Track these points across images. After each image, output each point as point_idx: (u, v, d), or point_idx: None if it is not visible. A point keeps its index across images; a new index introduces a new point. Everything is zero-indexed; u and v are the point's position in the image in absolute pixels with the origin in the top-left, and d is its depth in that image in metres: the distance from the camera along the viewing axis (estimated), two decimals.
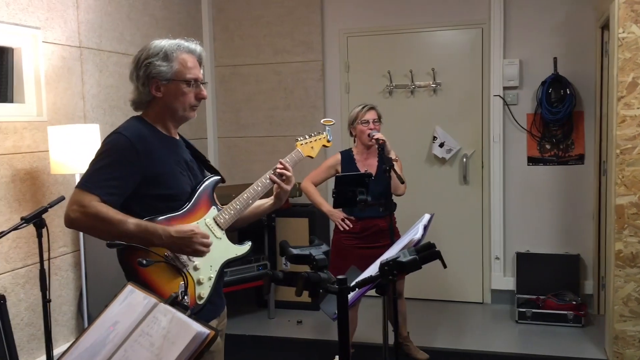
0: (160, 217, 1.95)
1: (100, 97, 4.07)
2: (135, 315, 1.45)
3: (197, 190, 2.07)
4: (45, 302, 2.96)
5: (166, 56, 1.99)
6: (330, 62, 5.25)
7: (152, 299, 1.46)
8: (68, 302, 3.82)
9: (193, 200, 2.04)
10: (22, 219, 2.81)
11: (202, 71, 2.10)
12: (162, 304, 1.42)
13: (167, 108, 2.04)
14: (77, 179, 3.50)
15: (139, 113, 2.10)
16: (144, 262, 1.59)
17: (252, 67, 5.35)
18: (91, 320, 1.71)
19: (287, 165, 2.19)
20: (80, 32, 3.89)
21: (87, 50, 3.95)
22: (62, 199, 3.05)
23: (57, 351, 3.45)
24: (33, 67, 3.58)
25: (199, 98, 2.06)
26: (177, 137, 2.14)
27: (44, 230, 2.89)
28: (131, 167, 1.92)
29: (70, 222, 1.90)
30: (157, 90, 2.01)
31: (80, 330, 3.84)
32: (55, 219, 3.65)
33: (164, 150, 2.01)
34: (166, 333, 1.32)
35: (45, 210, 2.88)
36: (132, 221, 1.88)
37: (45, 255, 2.98)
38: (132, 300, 1.52)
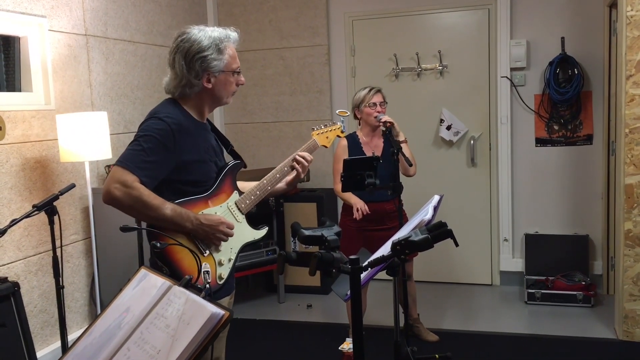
0: (186, 199, 2.04)
1: (107, 84, 4.07)
2: (150, 298, 1.47)
3: (220, 175, 2.15)
4: (59, 288, 2.99)
5: (219, 50, 2.05)
6: (336, 46, 5.22)
7: (167, 282, 1.48)
8: (80, 289, 3.85)
9: (216, 184, 2.13)
10: (33, 206, 2.84)
11: None
12: (176, 286, 1.44)
13: (213, 97, 2.12)
14: (87, 167, 3.54)
15: (167, 96, 2.15)
16: (158, 244, 1.61)
17: (257, 52, 5.34)
18: (104, 306, 1.73)
19: (306, 154, 2.30)
20: (85, 20, 3.89)
21: (93, 38, 3.95)
22: (72, 186, 3.07)
23: (71, 337, 3.49)
24: (40, 56, 3.58)
25: (239, 84, 2.16)
26: (205, 121, 2.20)
27: (56, 218, 2.91)
28: (168, 153, 1.99)
29: (111, 199, 1.94)
30: (208, 82, 2.07)
31: (93, 317, 3.88)
32: (65, 206, 3.68)
33: (196, 137, 2.08)
34: (181, 314, 1.33)
35: (56, 197, 2.90)
36: (169, 206, 1.96)
37: (57, 243, 3.01)
38: (146, 284, 1.54)
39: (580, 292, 4.40)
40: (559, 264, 4.66)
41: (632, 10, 3.58)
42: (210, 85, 2.07)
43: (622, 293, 3.79)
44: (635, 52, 3.60)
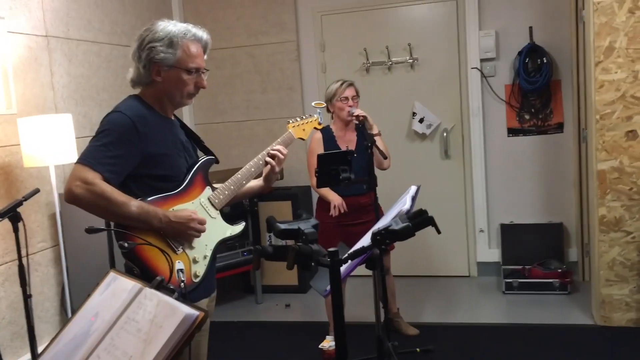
0: (157, 196, 1.97)
1: (71, 87, 3.95)
2: (120, 302, 1.40)
3: (192, 170, 2.09)
4: (26, 298, 2.89)
5: (171, 43, 1.98)
6: (305, 43, 5.17)
7: (137, 285, 1.41)
8: (50, 298, 3.73)
9: (188, 180, 2.07)
10: None
11: (205, 58, 2.08)
12: (147, 288, 1.38)
13: (166, 93, 2.04)
14: (52, 171, 3.43)
15: (135, 92, 2.09)
16: (126, 245, 1.54)
17: (226, 50, 5.25)
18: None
19: (281, 147, 2.24)
20: (46, 20, 3.77)
21: (55, 39, 3.83)
22: (37, 191, 2.96)
23: (41, 348, 3.37)
24: None
25: (199, 87, 2.07)
26: (173, 118, 2.14)
27: (21, 225, 2.81)
28: (132, 146, 1.92)
29: (72, 198, 1.88)
30: (157, 75, 2.00)
31: None
32: (31, 214, 3.56)
33: (162, 131, 2.02)
34: (153, 317, 1.27)
35: (20, 203, 2.80)
36: (134, 203, 1.89)
37: (24, 252, 2.90)
38: (115, 288, 1.47)
39: (557, 280, 4.42)
40: (535, 252, 4.69)
41: None
42: (160, 79, 2.00)
43: (598, 279, 3.82)
44: (603, 38, 3.62)
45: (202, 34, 2.06)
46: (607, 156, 3.70)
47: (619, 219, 3.72)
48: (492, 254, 4.96)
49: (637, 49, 3.58)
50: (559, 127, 4.76)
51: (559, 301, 4.31)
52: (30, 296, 2.95)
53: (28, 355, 3.38)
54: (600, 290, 3.80)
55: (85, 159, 1.88)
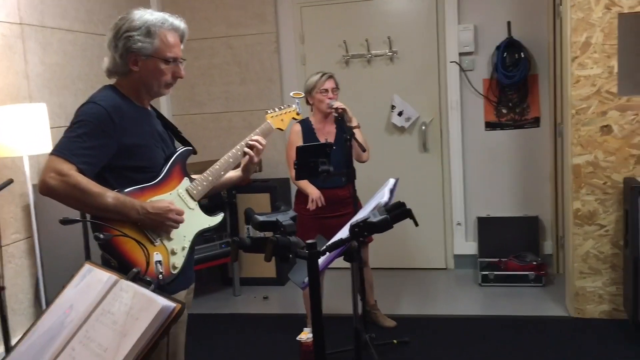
0: (134, 188, 1.95)
1: (46, 76, 3.88)
2: (95, 294, 1.38)
3: (169, 161, 2.07)
4: None
5: (148, 32, 1.95)
6: (285, 34, 5.14)
7: (113, 276, 1.40)
8: (24, 290, 3.68)
9: (165, 171, 2.04)
10: None
11: (182, 48, 2.06)
12: (123, 280, 1.36)
13: (143, 83, 2.02)
14: (26, 162, 3.37)
15: (110, 82, 2.07)
16: (101, 236, 1.52)
17: (204, 41, 5.20)
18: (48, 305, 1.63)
19: (259, 137, 2.23)
20: (20, 8, 3.69)
21: (29, 27, 3.75)
22: (10, 182, 2.91)
23: (15, 340, 3.32)
24: None
25: (176, 77, 2.05)
26: (149, 108, 2.12)
27: None
28: (107, 137, 1.90)
29: (47, 189, 1.85)
30: (134, 65, 1.98)
31: None
32: (5, 205, 3.50)
33: (138, 121, 2.00)
34: (129, 309, 1.26)
35: None
36: (110, 194, 1.87)
37: None
38: (91, 279, 1.45)
39: (532, 272, 4.48)
40: (511, 245, 4.74)
41: None
42: (137, 69, 1.98)
43: (572, 271, 3.88)
44: (579, 34, 3.66)
45: (180, 23, 2.04)
46: (582, 150, 3.75)
47: (593, 212, 3.77)
48: (469, 246, 5.01)
49: (613, 45, 3.63)
50: (536, 122, 4.81)
51: (534, 293, 4.37)
52: (3, 288, 2.91)
53: (1, 348, 3.33)
54: (574, 282, 3.86)
55: (60, 151, 1.86)
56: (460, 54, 4.82)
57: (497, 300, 4.31)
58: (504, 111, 4.85)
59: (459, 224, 5.01)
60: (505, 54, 4.68)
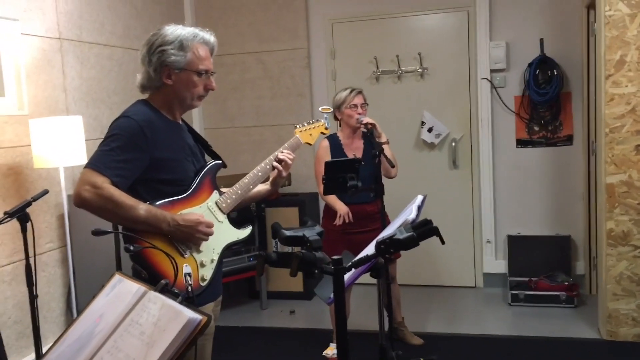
0: (165, 200, 1.99)
1: (83, 89, 3.99)
2: (124, 305, 1.41)
3: (199, 175, 2.11)
4: (32, 298, 2.90)
5: (181, 46, 2.01)
6: (316, 50, 5.19)
7: (142, 287, 1.42)
8: (56, 299, 3.75)
9: (195, 184, 2.08)
10: (5, 213, 2.75)
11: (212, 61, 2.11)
12: (151, 291, 1.39)
13: (176, 96, 2.06)
14: (62, 173, 3.45)
15: (143, 96, 2.12)
16: (131, 247, 1.55)
17: (236, 56, 5.28)
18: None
19: (288, 152, 2.27)
20: (59, 23, 3.81)
21: (67, 42, 3.87)
22: (45, 192, 2.99)
23: (46, 348, 3.38)
24: (13, 60, 3.49)
25: (208, 89, 2.10)
26: (181, 122, 2.17)
27: (29, 225, 2.83)
28: (140, 151, 1.94)
29: (81, 202, 1.89)
30: (167, 78, 2.03)
31: None
32: (40, 214, 3.58)
33: (170, 135, 2.04)
34: (156, 321, 1.28)
35: (29, 203, 2.82)
36: (142, 207, 1.91)
37: (31, 252, 2.92)
38: (120, 290, 1.48)
39: (564, 293, 4.40)
40: (542, 264, 4.66)
41: (610, 10, 3.59)
42: (170, 82, 2.02)
43: (605, 293, 3.79)
44: (614, 51, 3.61)
45: (210, 37, 2.09)
46: (616, 170, 3.68)
47: (627, 232, 3.69)
48: (498, 265, 4.94)
49: None
50: (568, 140, 4.74)
51: (565, 314, 4.28)
52: (36, 296, 2.97)
53: (33, 355, 3.40)
54: (607, 304, 3.77)
55: (94, 164, 1.90)
56: (492, 71, 4.79)
57: (527, 321, 4.23)
58: (536, 128, 4.80)
59: (488, 241, 4.95)
60: (537, 71, 4.63)
